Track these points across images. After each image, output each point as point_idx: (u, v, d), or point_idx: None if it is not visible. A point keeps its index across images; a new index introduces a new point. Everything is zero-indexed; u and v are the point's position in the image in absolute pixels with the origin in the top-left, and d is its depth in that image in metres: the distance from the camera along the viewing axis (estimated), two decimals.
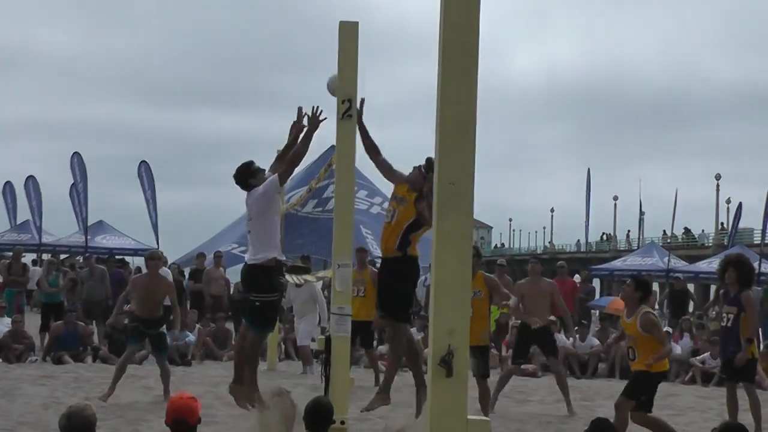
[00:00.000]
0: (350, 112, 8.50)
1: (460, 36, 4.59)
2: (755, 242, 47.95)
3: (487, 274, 11.78)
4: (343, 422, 8.23)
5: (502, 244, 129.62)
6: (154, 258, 13.47)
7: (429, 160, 8.54)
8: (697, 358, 17.80)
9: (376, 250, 29.08)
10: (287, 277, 16.54)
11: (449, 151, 4.63)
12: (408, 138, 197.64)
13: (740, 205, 39.29)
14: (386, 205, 34.99)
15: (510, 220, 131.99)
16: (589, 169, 52.81)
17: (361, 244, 25.94)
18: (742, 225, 51.06)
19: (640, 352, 10.11)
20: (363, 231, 29.05)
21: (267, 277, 9.09)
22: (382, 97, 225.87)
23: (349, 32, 8.51)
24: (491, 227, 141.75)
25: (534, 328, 12.90)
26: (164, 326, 13.16)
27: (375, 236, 29.43)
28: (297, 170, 33.67)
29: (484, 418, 4.82)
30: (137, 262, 30.78)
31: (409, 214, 8.97)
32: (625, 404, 9.97)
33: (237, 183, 9.42)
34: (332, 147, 9.42)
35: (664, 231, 72.03)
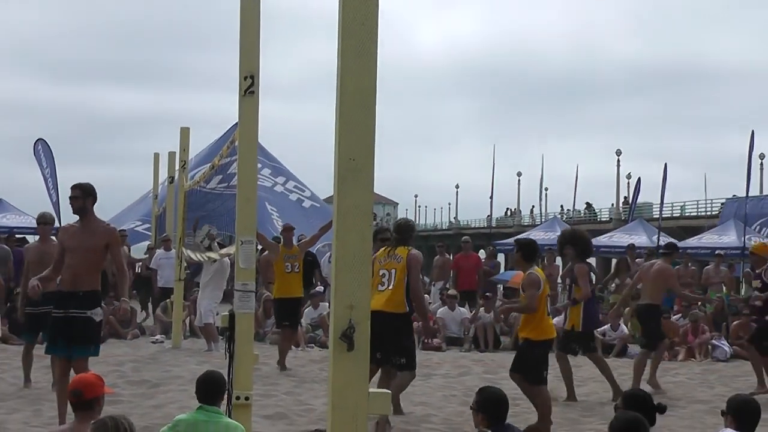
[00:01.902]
0: (252, 89, 8.45)
1: (359, 9, 4.60)
2: (654, 216, 48.94)
3: None
4: (247, 398, 8.23)
5: None
6: (47, 221, 12.43)
7: None
8: (599, 330, 18.13)
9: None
10: (194, 255, 16.46)
11: (349, 127, 4.65)
12: (311, 114, 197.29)
13: (639, 180, 40.08)
14: (290, 184, 34.66)
15: (416, 196, 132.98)
16: (494, 145, 53.30)
17: (265, 221, 25.87)
18: (642, 200, 52.16)
19: (522, 318, 10.34)
20: (268, 208, 28.99)
21: None
22: (287, 74, 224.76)
23: (250, 7, 8.45)
24: (397, 203, 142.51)
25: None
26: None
27: (281, 213, 29.39)
28: (201, 148, 33.30)
29: (385, 390, 4.86)
30: None
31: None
32: (517, 378, 10.05)
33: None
34: (236, 124, 9.35)
35: (562, 206, 73.43)
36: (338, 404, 4.61)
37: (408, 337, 10.20)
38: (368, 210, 4.69)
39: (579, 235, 13.43)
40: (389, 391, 4.91)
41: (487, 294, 20.20)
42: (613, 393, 12.02)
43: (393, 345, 9.75)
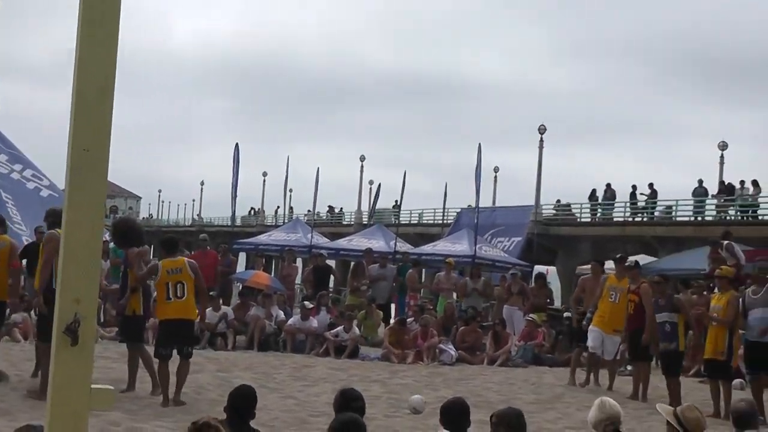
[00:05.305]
0: None
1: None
2: (394, 222, 50.13)
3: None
4: None
5: (151, 215, 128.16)
6: None
7: None
8: (332, 331, 18.45)
9: (16, 216, 27.95)
10: None
11: (84, 116, 4.55)
12: (56, 101, 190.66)
13: (379, 186, 41.04)
14: (28, 172, 33.35)
15: (159, 191, 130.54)
16: (237, 143, 52.92)
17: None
18: (384, 205, 53.34)
19: None
20: (3, 195, 27.84)
21: None
22: (34, 56, 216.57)
23: None
24: (140, 198, 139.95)
25: None
26: None
27: (15, 201, 28.24)
28: None
29: (109, 387, 4.79)
30: None
31: None
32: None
33: None
34: None
35: (291, 208, 74.40)
36: (58, 401, 4.49)
37: None
38: (101, 203, 4.61)
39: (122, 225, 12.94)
40: (112, 387, 4.83)
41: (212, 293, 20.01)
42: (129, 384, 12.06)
43: None
